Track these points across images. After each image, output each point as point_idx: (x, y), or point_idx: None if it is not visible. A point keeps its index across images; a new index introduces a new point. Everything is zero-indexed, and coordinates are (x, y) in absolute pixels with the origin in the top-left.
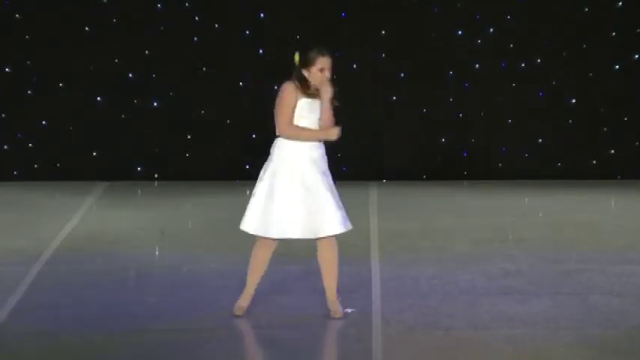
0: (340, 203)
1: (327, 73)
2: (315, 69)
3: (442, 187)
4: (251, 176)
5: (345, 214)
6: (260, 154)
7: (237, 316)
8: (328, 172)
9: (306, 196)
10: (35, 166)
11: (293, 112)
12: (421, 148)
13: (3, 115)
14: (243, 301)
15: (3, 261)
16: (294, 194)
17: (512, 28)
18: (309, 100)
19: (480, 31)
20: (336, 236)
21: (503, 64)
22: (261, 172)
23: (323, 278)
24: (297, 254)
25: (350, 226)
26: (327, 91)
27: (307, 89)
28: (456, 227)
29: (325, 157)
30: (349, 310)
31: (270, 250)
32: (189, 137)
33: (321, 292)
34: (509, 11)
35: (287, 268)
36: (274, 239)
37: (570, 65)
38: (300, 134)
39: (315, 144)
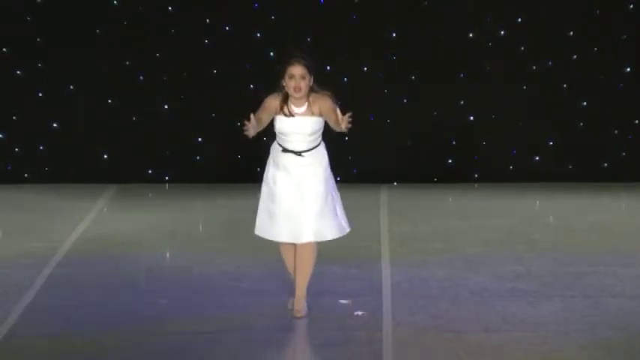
0: (330, 210)
1: (298, 81)
2: (286, 78)
3: (453, 190)
4: (262, 179)
5: (331, 222)
6: None
7: (297, 318)
8: (330, 178)
9: (297, 199)
10: (46, 168)
11: (262, 113)
12: (432, 150)
13: (14, 117)
14: (297, 303)
15: (15, 263)
16: (290, 196)
17: (523, 30)
18: (286, 117)
19: (491, 33)
20: (346, 237)
21: (514, 66)
22: (264, 175)
23: (295, 275)
24: None
25: (328, 238)
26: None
27: (284, 104)
28: (467, 229)
29: (326, 163)
30: (359, 313)
31: (291, 249)
32: (200, 140)
33: (330, 294)
34: (520, 13)
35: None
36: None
37: (581, 67)
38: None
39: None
